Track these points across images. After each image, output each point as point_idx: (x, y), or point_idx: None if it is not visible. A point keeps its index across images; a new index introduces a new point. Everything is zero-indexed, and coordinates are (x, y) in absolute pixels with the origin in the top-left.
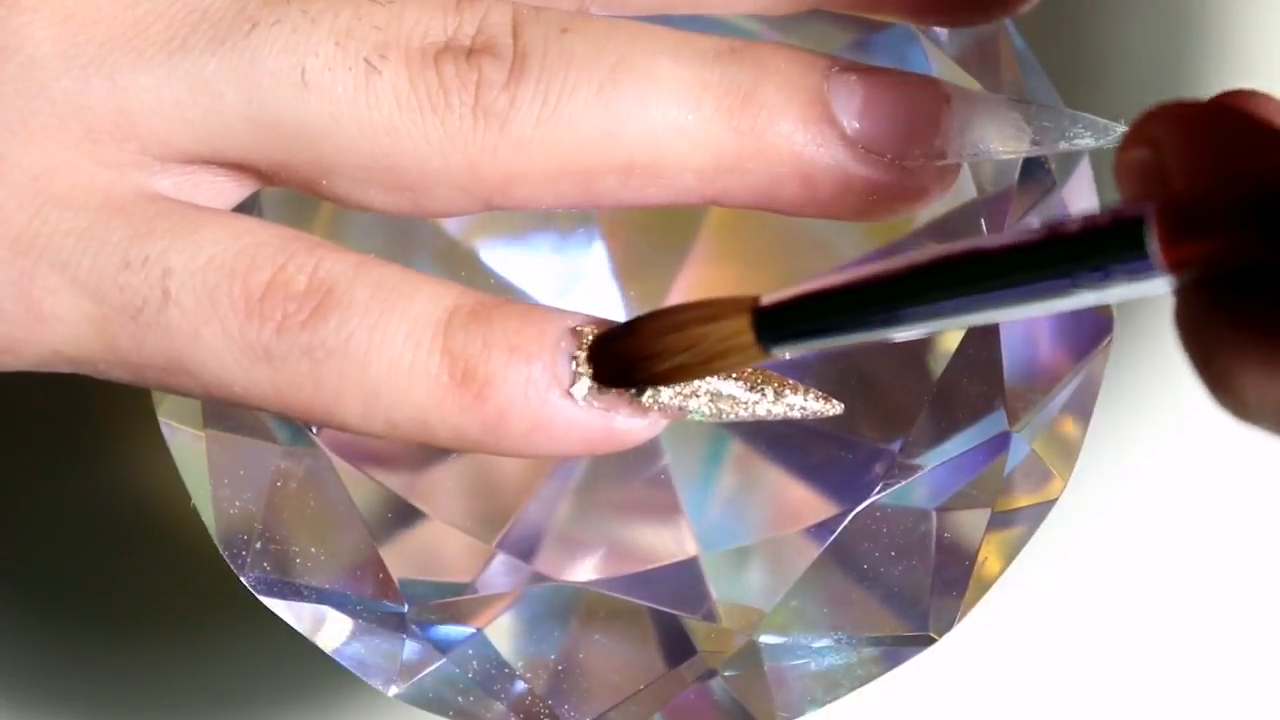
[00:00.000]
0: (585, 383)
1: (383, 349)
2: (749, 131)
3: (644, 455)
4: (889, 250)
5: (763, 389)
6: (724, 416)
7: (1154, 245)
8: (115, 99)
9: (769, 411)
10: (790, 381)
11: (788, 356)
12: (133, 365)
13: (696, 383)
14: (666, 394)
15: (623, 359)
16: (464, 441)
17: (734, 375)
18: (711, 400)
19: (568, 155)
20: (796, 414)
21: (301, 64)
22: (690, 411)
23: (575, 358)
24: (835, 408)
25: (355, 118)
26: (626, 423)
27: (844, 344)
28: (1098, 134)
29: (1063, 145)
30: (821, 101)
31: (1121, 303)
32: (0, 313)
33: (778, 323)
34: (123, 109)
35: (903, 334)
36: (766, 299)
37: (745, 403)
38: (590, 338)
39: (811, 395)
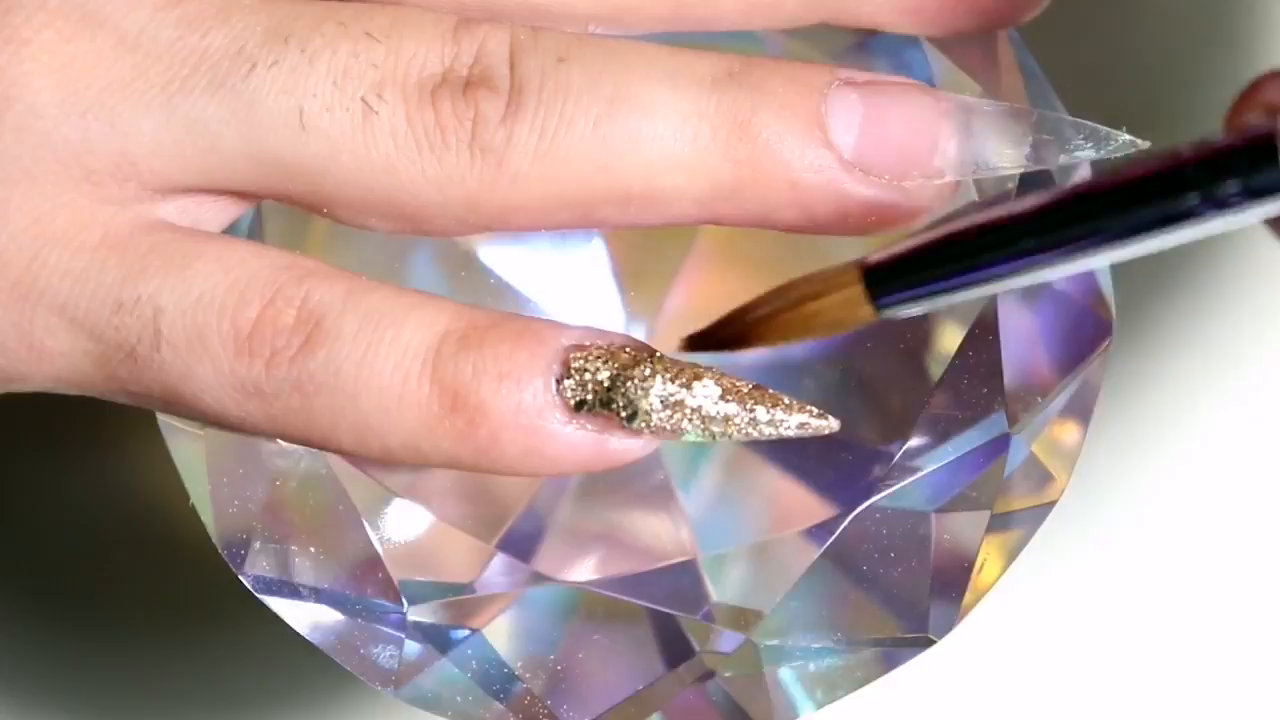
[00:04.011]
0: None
1: (371, 381)
2: (746, 161)
3: (643, 458)
4: None
5: (756, 408)
6: (717, 438)
7: None
8: (115, 143)
9: (762, 432)
10: (785, 400)
11: (902, 315)
12: (133, 394)
13: (689, 404)
14: (658, 416)
15: (718, 324)
16: (458, 466)
17: (727, 396)
18: (704, 421)
19: (564, 188)
20: (792, 433)
21: (300, 105)
22: (684, 432)
23: (569, 381)
24: (832, 425)
25: (353, 156)
26: (620, 443)
27: (958, 298)
28: (1098, 144)
29: (1063, 159)
30: (819, 126)
31: (1248, 226)
32: (4, 349)
33: (886, 278)
34: (123, 152)
35: (1017, 282)
36: (873, 257)
37: (739, 423)
38: (591, 359)
39: (807, 412)
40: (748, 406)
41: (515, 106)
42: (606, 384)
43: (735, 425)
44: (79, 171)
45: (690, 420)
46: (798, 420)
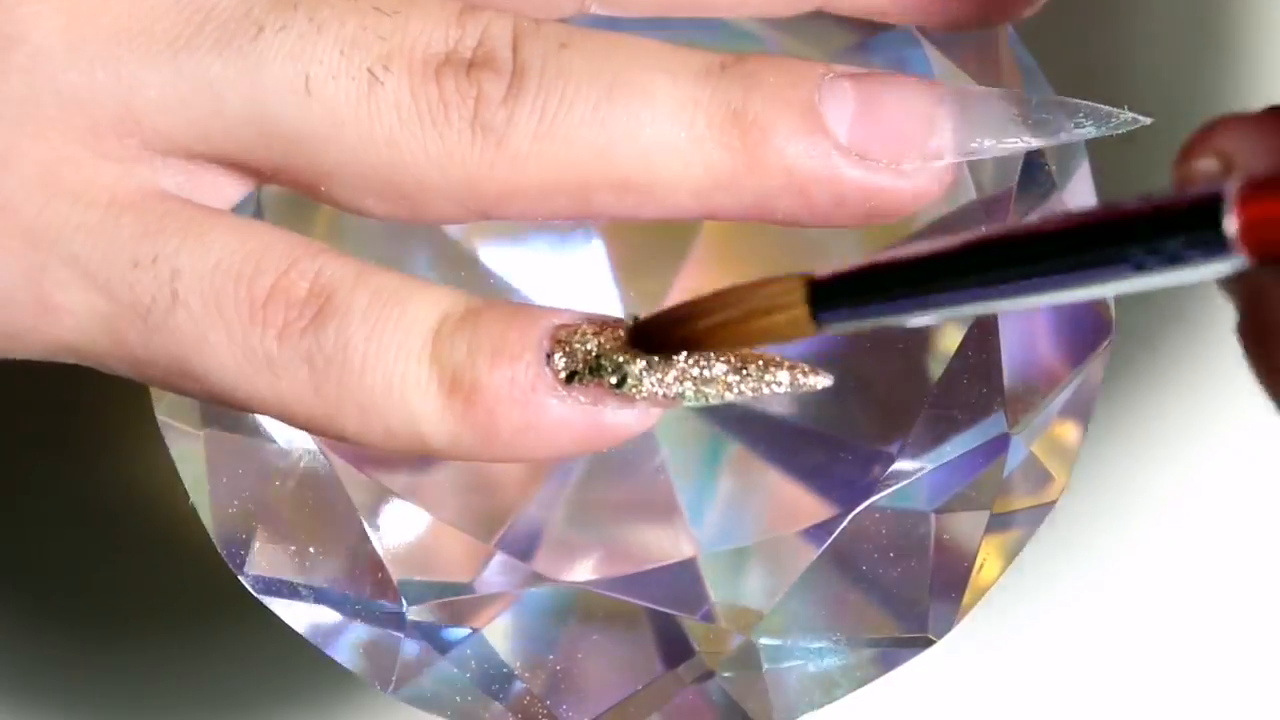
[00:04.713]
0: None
1: (378, 358)
2: (740, 148)
3: (642, 454)
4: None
5: (746, 366)
6: (711, 399)
7: (1232, 224)
8: (120, 94)
9: (755, 389)
10: (776, 358)
11: (843, 332)
12: (138, 363)
13: (680, 366)
14: (649, 380)
15: (663, 320)
16: (458, 448)
17: (720, 357)
18: (696, 383)
19: (563, 171)
20: (784, 389)
21: (306, 71)
22: (678, 395)
23: (558, 354)
24: (825, 379)
25: (356, 127)
26: (615, 415)
27: (896, 322)
28: (1099, 122)
29: (1064, 137)
30: (814, 113)
31: (1184, 285)
32: (10, 301)
33: (830, 295)
34: (127, 105)
35: (959, 312)
36: (819, 273)
37: (731, 383)
38: (577, 336)
39: (799, 370)
40: (737, 367)
41: (517, 88)
42: (595, 352)
43: (727, 384)
44: (83, 122)
45: (681, 381)
46: (788, 377)
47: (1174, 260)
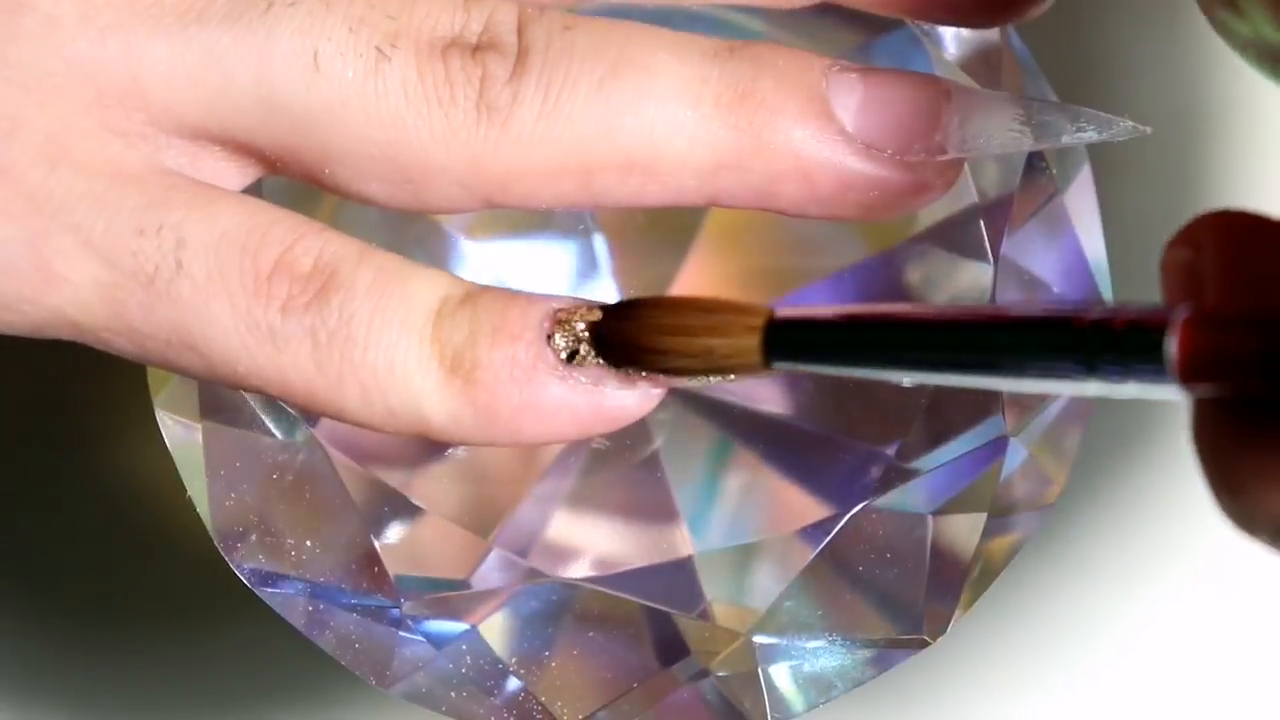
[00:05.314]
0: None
1: (381, 334)
2: (747, 128)
3: (639, 452)
4: (889, 255)
5: None
6: (712, 380)
7: (1172, 358)
8: (128, 66)
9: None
10: None
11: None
12: (137, 335)
13: None
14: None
15: (629, 348)
16: (459, 428)
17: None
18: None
19: (567, 151)
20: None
21: (314, 47)
22: (680, 376)
23: (558, 335)
24: None
25: (363, 106)
26: (615, 397)
27: (844, 374)
28: (1101, 127)
29: (1065, 139)
30: (820, 98)
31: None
32: (10, 270)
33: (787, 341)
34: (135, 77)
35: (903, 379)
36: (781, 313)
37: None
38: (576, 317)
39: None
40: None
41: (522, 68)
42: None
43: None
44: (90, 92)
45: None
46: None
47: (1123, 376)
